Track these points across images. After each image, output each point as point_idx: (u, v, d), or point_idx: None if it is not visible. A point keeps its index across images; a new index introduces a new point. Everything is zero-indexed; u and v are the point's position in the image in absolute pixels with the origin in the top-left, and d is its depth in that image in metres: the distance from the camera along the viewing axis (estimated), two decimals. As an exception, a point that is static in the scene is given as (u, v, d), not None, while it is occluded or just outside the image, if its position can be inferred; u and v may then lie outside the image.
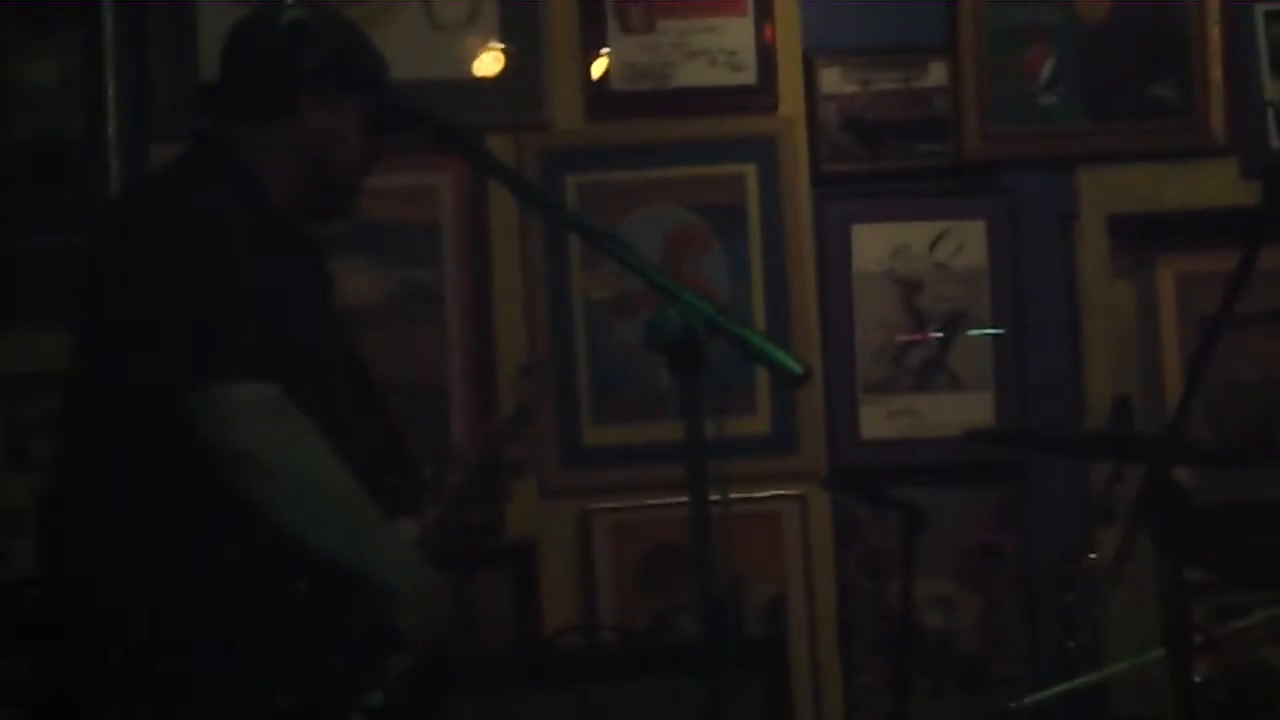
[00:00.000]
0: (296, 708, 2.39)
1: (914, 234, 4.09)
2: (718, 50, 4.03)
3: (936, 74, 4.10)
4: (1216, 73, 4.10)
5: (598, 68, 4.02)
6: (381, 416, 2.72)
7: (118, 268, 2.47)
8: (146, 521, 2.43)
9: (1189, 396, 2.66)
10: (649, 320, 2.09)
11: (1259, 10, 4.12)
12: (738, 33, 4.03)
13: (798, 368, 2.08)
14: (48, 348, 2.73)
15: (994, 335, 4.05)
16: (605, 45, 4.02)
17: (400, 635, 2.48)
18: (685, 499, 3.77)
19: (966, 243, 4.09)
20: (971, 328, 4.08)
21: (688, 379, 2.08)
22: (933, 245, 4.08)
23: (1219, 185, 4.10)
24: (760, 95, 4.05)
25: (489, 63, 4.01)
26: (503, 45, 4.00)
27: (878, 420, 4.07)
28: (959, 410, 4.05)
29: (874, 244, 4.08)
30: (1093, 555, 3.34)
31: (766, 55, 4.04)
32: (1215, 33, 4.11)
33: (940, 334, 4.06)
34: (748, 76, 4.04)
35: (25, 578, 3.57)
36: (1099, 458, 3.46)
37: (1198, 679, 2.88)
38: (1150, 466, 2.63)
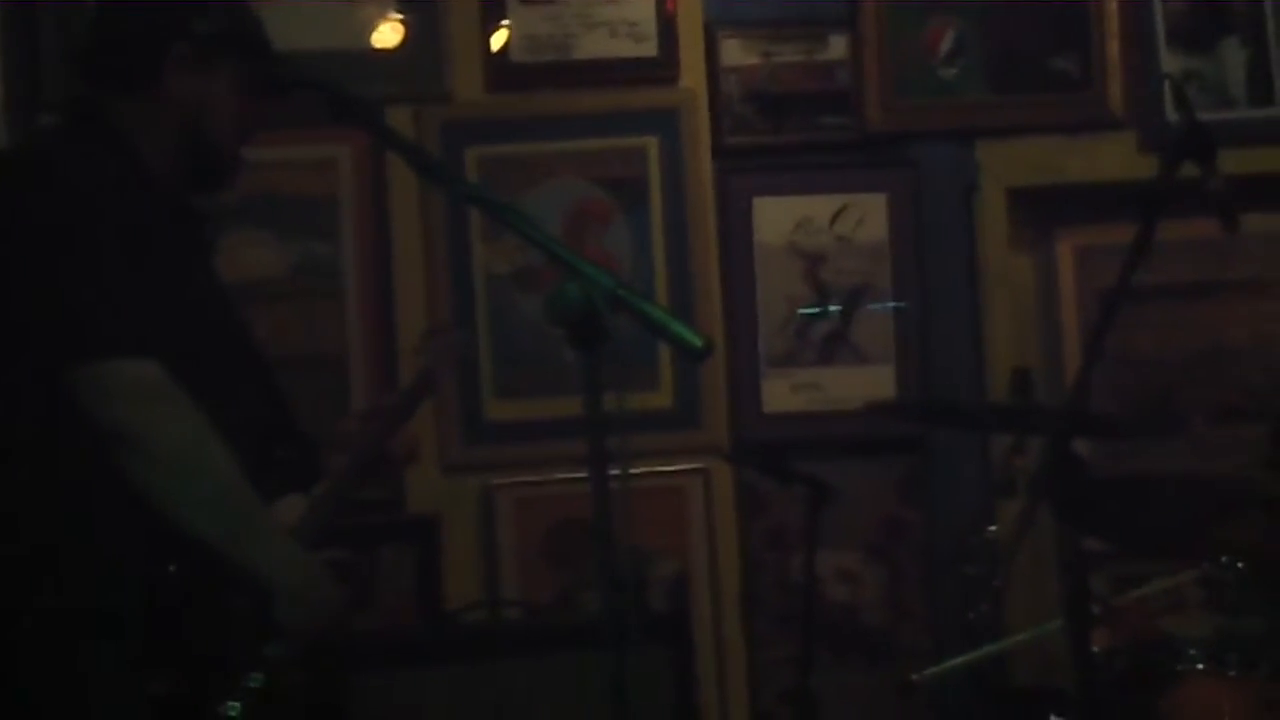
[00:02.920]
0: (171, 690, 2.35)
1: (816, 207, 4.08)
2: (619, 21, 4.00)
3: (838, 47, 4.09)
4: (1115, 47, 4.12)
5: (498, 39, 3.99)
6: (269, 388, 2.68)
7: None
8: (17, 496, 2.38)
9: (1088, 368, 2.67)
10: (549, 294, 2.08)
11: (1157, -15, 4.15)
12: (639, 4, 4.01)
13: (698, 341, 2.07)
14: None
15: (895, 309, 4.06)
16: (505, 16, 3.99)
17: (279, 627, 2.45)
18: (588, 474, 3.83)
19: (868, 216, 4.09)
20: (874, 301, 4.08)
21: (588, 353, 2.06)
22: (834, 218, 4.08)
23: (1118, 158, 4.12)
24: (662, 67, 4.03)
25: (387, 33, 3.97)
26: (401, 16, 3.95)
27: (781, 393, 4.07)
28: (862, 383, 4.05)
29: (776, 217, 4.08)
30: (993, 527, 3.35)
31: (668, 27, 4.02)
32: (1114, 7, 4.12)
33: (839, 307, 4.06)
34: (649, 48, 4.02)
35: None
36: (1000, 429, 3.47)
37: (1097, 649, 2.90)
38: (1050, 438, 2.63)
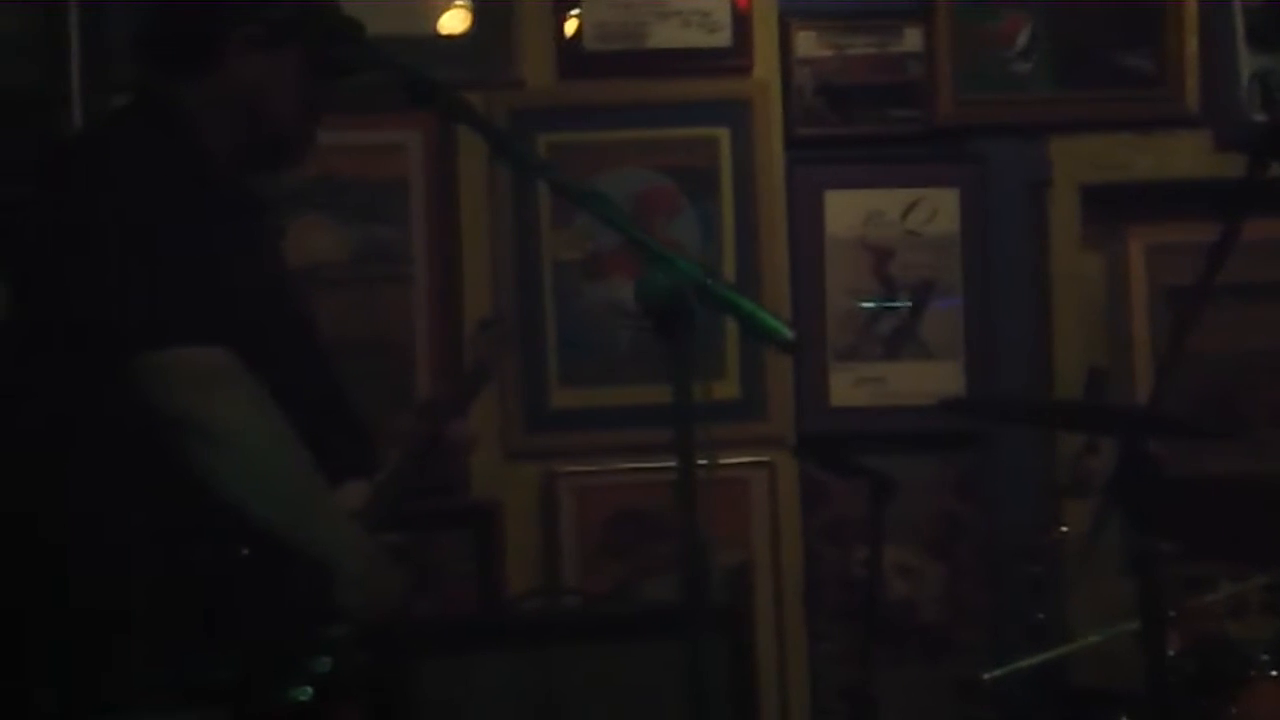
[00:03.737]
0: (237, 677, 2.35)
1: (886, 200, 4.06)
2: (692, 11, 3.99)
3: (911, 40, 4.06)
4: (1192, 43, 4.08)
5: (570, 26, 3.97)
6: (329, 376, 2.67)
7: (57, 228, 2.41)
8: (84, 484, 2.38)
9: (1167, 369, 2.65)
10: (638, 281, 2.06)
11: (1236, -19, 4.11)
12: (713, -6, 3.99)
13: (788, 334, 2.06)
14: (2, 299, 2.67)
15: (951, 305, 4.03)
16: (578, 4, 3.97)
17: (342, 611, 2.45)
18: (650, 464, 3.83)
19: (939, 210, 4.07)
20: (941, 296, 4.06)
21: (675, 343, 2.04)
22: (905, 212, 4.06)
23: (1191, 156, 4.08)
24: (734, 57, 4.01)
25: (454, 20, 3.96)
26: (468, 2, 3.94)
27: (846, 387, 4.05)
28: (927, 379, 4.03)
29: (846, 210, 4.06)
30: (1064, 528, 3.32)
31: (741, 17, 4.00)
32: (1192, 3, 4.08)
33: (896, 303, 4.04)
34: (722, 38, 3.99)
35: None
36: (1073, 429, 3.44)
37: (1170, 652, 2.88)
38: (1126, 439, 2.61)
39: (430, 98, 2.38)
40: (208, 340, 2.32)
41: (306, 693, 2.41)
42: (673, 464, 3.82)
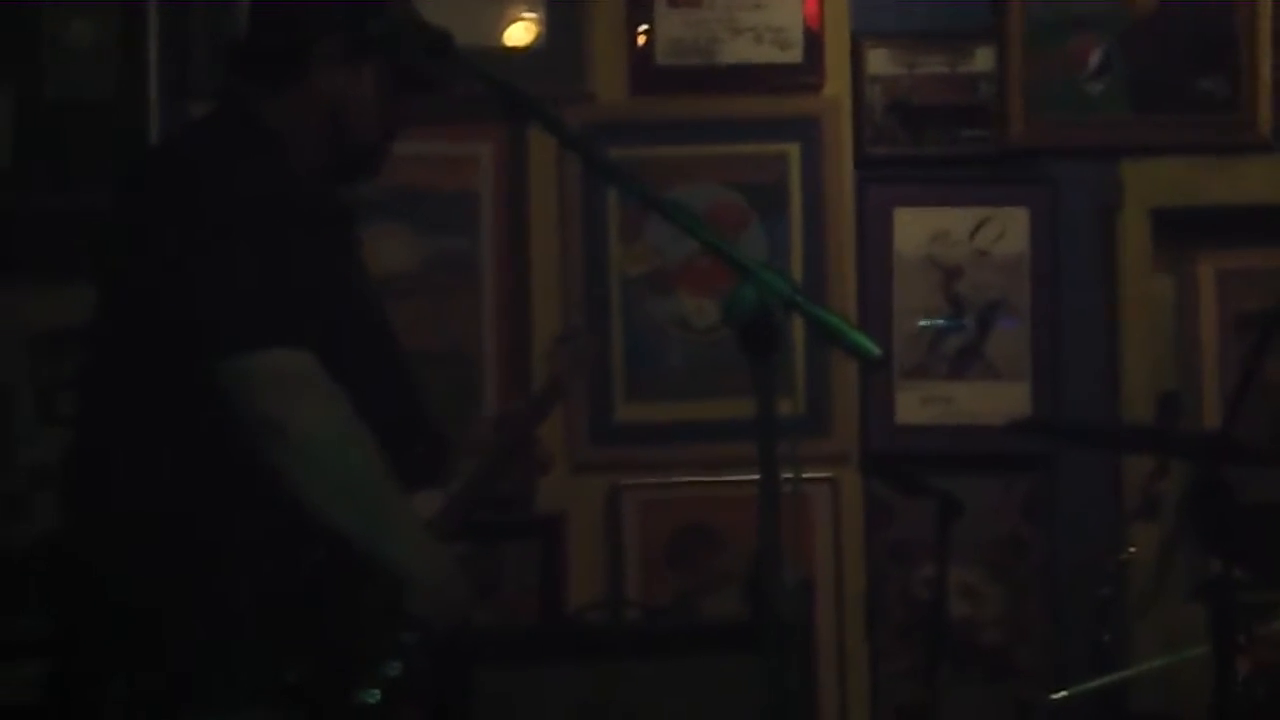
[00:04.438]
0: (307, 678, 2.37)
1: (955, 220, 4.05)
2: (764, 27, 3.99)
3: (983, 60, 4.06)
4: (1266, 68, 4.06)
5: (642, 41, 3.99)
6: (408, 385, 2.69)
7: (143, 232, 2.43)
8: (161, 486, 2.40)
9: (1241, 394, 2.63)
10: (725, 296, 2.06)
11: (1313, 5, 4.09)
12: (785, 10, 3.99)
13: (875, 350, 2.06)
14: (80, 304, 2.70)
15: (1014, 326, 4.02)
16: (651, 18, 3.98)
17: (412, 618, 2.45)
18: (715, 478, 3.82)
19: (1008, 230, 4.06)
20: (1008, 317, 4.05)
21: (761, 358, 2.05)
22: (974, 232, 4.05)
23: (1265, 182, 4.06)
24: (806, 74, 4.02)
25: (520, 32, 3.98)
26: (536, 15, 3.96)
27: (912, 406, 4.04)
28: (994, 399, 4.01)
29: (915, 228, 4.05)
30: (1132, 549, 3.30)
31: (813, 35, 4.00)
32: (1267, 27, 4.06)
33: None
34: (794, 55, 4.00)
35: (48, 533, 3.57)
36: (1144, 452, 3.43)
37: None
38: (1200, 465, 2.60)
39: (524, 111, 2.39)
40: (291, 345, 2.34)
41: (375, 695, 2.42)
42: (737, 478, 3.86)
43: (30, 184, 3.79)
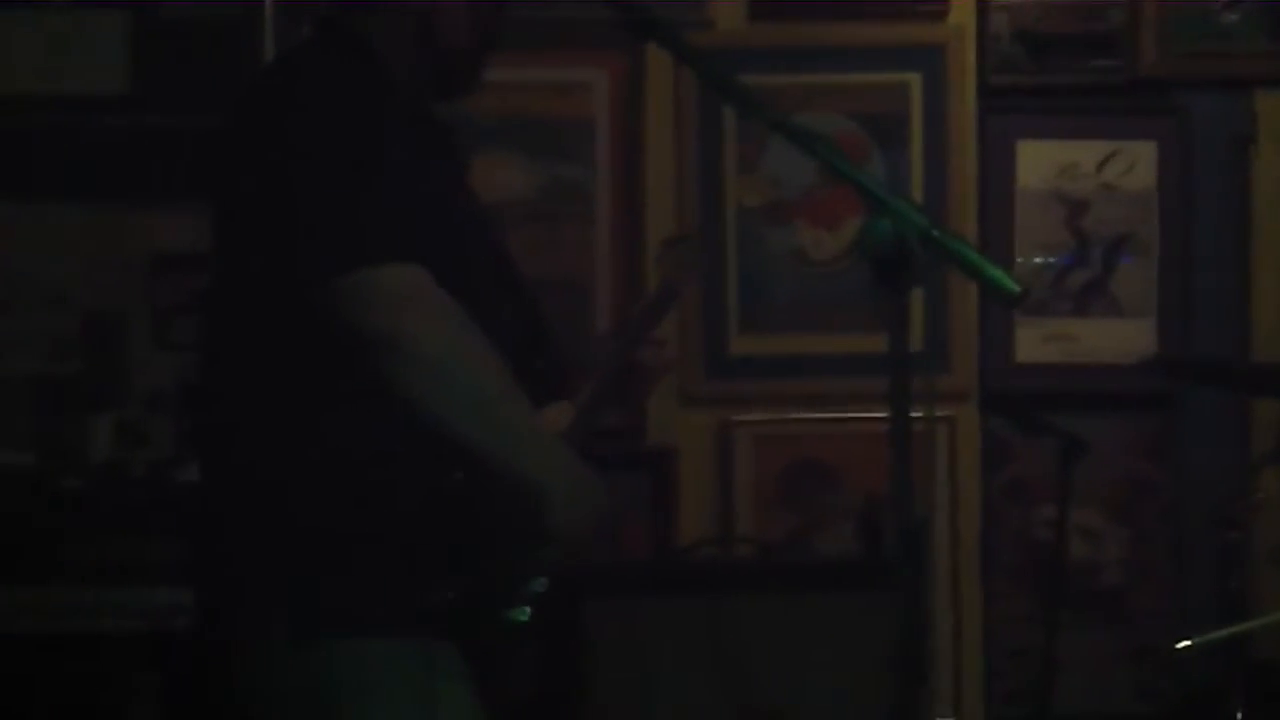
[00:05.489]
0: (459, 600, 2.34)
1: (1081, 152, 3.96)
2: (888, -47, 3.91)
3: (1113, -14, 3.96)
4: None
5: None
6: (524, 298, 2.65)
7: (253, 157, 2.41)
8: (293, 415, 2.38)
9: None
10: (862, 228, 2.00)
11: None
12: (910, -63, 3.91)
13: (1015, 287, 2.00)
14: (196, 229, 2.70)
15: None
16: (773, -54, 3.91)
17: (549, 532, 2.41)
18: (829, 414, 3.77)
19: (1136, 163, 3.95)
20: (1134, 253, 3.95)
21: (896, 292, 1.99)
22: (1101, 165, 3.95)
23: (1404, 113, 3.94)
24: (930, 2, 3.93)
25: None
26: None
27: (1033, 343, 3.96)
28: (1119, 337, 3.93)
29: (1039, 161, 3.96)
30: (1260, 494, 3.21)
31: (938, -39, 3.92)
32: None
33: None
34: (918, -19, 3.92)
35: (169, 458, 3.59)
36: (1277, 395, 3.32)
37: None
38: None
39: (648, 30, 2.32)
40: (399, 259, 2.31)
41: (525, 613, 2.38)
42: (852, 415, 3.80)
43: (147, 106, 3.79)
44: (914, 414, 2.01)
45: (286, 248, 2.34)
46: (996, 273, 1.98)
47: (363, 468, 2.36)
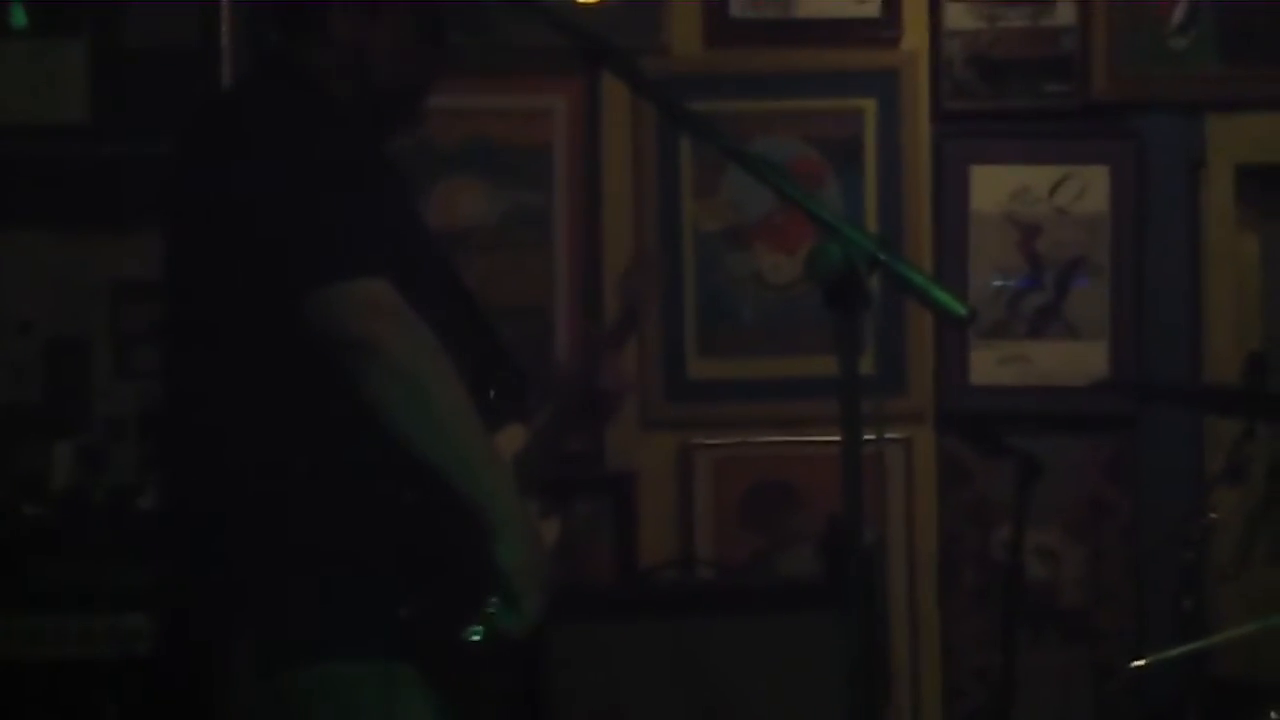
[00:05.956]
0: (417, 616, 2.35)
1: (1035, 176, 3.99)
2: (842, -20, 3.95)
3: (1065, 12, 3.99)
4: (1358, 21, 3.97)
5: (718, -7, 3.95)
6: (479, 319, 2.67)
7: (208, 184, 2.43)
8: (254, 431, 2.40)
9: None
10: (811, 251, 2.03)
11: (1406, -44, 3.99)
12: (863, -38, 3.94)
13: (962, 309, 2.02)
14: (156, 256, 2.71)
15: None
16: (727, -29, 3.94)
17: (493, 558, 2.42)
18: (788, 437, 3.79)
19: (1089, 187, 3.99)
20: (1087, 276, 3.99)
21: (845, 315, 2.01)
22: (1054, 189, 3.99)
23: (1354, 137, 3.98)
24: (883, 28, 3.97)
25: (592, -15, 3.94)
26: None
27: (988, 365, 3.99)
28: (1073, 359, 3.96)
29: (993, 185, 3.99)
30: (1214, 514, 3.24)
31: (892, -12, 3.95)
32: (1359, -22, 3.98)
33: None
34: (872, 8, 3.95)
35: (130, 485, 3.60)
36: (1231, 414, 3.36)
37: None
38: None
39: (602, 58, 2.34)
40: (374, 275, 2.33)
41: (479, 632, 2.40)
42: (811, 438, 3.82)
43: (108, 134, 3.80)
44: (865, 436, 2.02)
45: (255, 267, 2.36)
46: (944, 295, 2.01)
47: (322, 489, 2.38)
